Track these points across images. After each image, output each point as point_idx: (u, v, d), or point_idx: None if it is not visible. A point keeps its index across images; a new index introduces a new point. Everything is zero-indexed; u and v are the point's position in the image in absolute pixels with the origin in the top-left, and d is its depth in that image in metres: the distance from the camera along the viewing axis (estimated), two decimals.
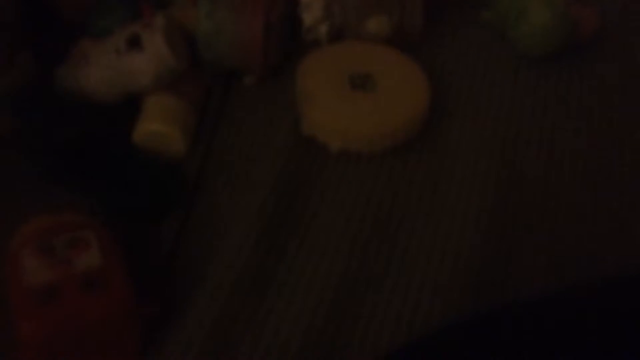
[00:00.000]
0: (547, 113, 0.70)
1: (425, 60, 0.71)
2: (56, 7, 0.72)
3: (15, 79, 0.65)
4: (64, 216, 0.55)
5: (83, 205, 0.59)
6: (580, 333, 0.48)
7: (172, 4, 0.73)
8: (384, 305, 0.55)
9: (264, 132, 0.67)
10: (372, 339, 0.53)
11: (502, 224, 0.61)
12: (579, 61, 0.75)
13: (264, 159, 0.65)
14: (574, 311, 0.50)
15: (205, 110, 0.69)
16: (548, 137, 0.68)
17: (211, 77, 0.71)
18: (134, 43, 0.63)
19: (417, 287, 0.56)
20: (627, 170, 0.66)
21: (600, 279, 0.54)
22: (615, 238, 0.60)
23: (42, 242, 0.53)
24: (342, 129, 0.65)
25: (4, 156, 0.64)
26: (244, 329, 0.54)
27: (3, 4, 0.65)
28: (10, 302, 0.50)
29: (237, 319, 0.54)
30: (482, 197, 0.62)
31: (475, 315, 0.53)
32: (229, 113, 0.68)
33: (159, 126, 0.64)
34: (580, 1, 0.73)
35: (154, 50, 0.63)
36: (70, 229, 0.54)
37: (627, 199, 0.63)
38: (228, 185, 0.63)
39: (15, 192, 0.61)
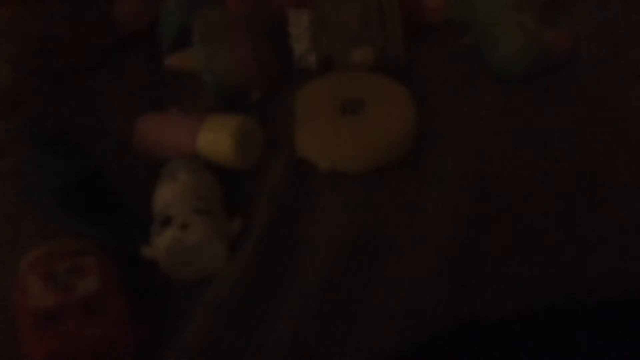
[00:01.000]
0: (526, 133, 0.72)
1: (410, 84, 0.74)
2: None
3: (25, 118, 0.69)
4: (66, 242, 0.59)
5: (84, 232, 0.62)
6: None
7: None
8: (359, 330, 0.58)
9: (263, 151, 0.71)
10: (350, 355, 0.57)
11: (477, 246, 0.63)
12: (555, 82, 0.77)
13: (259, 176, 0.69)
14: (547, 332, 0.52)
15: None
16: (528, 159, 0.70)
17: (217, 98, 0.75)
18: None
19: (394, 304, 0.59)
20: (604, 193, 0.67)
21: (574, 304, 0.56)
22: (591, 264, 0.61)
23: (46, 268, 0.57)
24: (328, 150, 0.69)
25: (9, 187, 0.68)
26: (230, 350, 0.58)
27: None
28: (16, 325, 0.54)
29: (227, 339, 0.58)
30: (456, 222, 0.65)
31: (442, 335, 0.55)
32: None
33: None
34: (552, 26, 0.76)
35: None
36: (72, 255, 0.58)
37: (605, 222, 0.65)
38: None
39: (20, 218, 0.65)
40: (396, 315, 0.59)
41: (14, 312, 0.56)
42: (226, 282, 0.61)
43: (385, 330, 0.58)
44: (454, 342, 0.53)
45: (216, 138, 0.68)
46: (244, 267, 0.62)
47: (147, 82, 0.80)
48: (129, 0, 0.81)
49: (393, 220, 0.66)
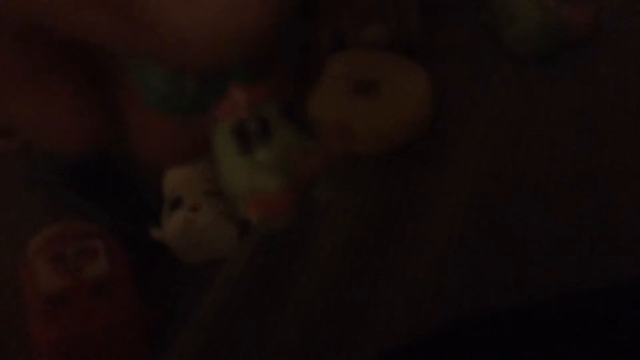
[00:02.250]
0: (544, 115, 0.71)
1: (425, 64, 0.73)
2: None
3: None
4: (75, 225, 0.59)
5: (93, 214, 0.62)
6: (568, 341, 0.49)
7: None
8: (371, 317, 0.57)
9: None
10: (360, 346, 0.56)
11: (492, 232, 0.62)
12: (573, 62, 0.75)
13: None
14: (561, 318, 0.51)
15: None
16: (546, 141, 0.68)
17: None
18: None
19: (406, 294, 0.58)
20: (622, 172, 0.66)
21: (587, 289, 0.55)
22: (599, 256, 0.60)
23: (54, 251, 0.57)
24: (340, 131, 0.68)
25: (16, 167, 0.67)
26: (243, 331, 0.57)
27: None
28: (25, 308, 0.54)
29: (237, 323, 0.57)
30: (470, 206, 0.64)
31: (458, 323, 0.54)
32: None
33: None
34: (572, 2, 0.73)
35: None
36: (80, 237, 0.58)
37: (621, 203, 0.63)
38: None
39: (27, 200, 0.65)
40: (410, 302, 0.58)
41: (22, 295, 0.55)
42: (237, 264, 0.60)
43: (399, 318, 0.57)
44: (470, 332, 0.52)
45: None
46: (255, 247, 0.61)
47: None
48: None
49: (407, 203, 0.65)
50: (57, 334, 0.53)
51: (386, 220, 0.64)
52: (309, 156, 0.31)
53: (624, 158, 0.67)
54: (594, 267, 0.59)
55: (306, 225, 0.64)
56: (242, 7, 0.15)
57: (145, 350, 0.57)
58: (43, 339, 0.53)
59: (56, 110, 0.20)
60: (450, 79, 0.75)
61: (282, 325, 0.57)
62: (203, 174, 0.64)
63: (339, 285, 0.59)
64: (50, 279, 0.55)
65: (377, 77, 0.71)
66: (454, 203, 0.64)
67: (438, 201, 0.65)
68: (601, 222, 0.62)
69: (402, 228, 0.63)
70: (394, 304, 0.58)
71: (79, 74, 0.20)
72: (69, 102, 0.20)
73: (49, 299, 0.54)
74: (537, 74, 0.74)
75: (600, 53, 0.76)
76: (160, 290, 0.60)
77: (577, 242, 0.61)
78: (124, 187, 0.66)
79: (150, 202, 0.64)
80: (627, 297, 0.51)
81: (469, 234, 0.62)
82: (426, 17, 0.75)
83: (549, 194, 0.65)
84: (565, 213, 0.63)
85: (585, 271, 0.59)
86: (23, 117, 0.19)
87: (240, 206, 0.30)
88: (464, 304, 0.57)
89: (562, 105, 0.72)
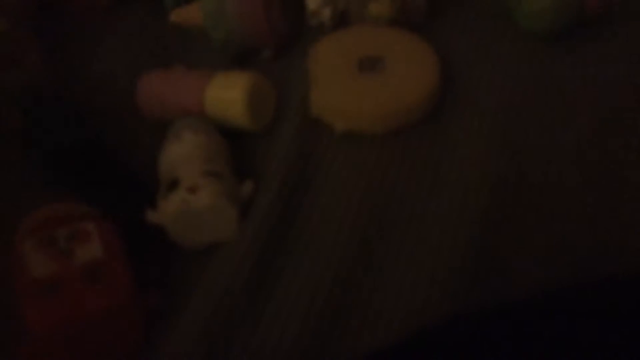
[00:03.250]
0: (553, 94, 0.68)
1: (431, 41, 0.70)
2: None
3: (23, 76, 0.65)
4: (66, 207, 0.56)
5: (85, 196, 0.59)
6: (577, 333, 0.47)
7: None
8: (380, 298, 0.55)
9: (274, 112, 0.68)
10: (368, 332, 0.53)
11: (502, 213, 0.59)
12: (586, 40, 0.72)
13: (270, 138, 0.66)
14: (572, 310, 0.49)
15: None
16: (558, 120, 0.66)
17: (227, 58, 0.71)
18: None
19: (414, 278, 0.56)
20: (631, 157, 0.63)
21: (600, 278, 0.52)
22: (618, 236, 0.58)
23: (44, 234, 0.54)
24: (344, 109, 0.65)
25: (7, 149, 0.64)
26: (241, 320, 0.55)
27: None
28: (14, 294, 0.51)
29: (234, 313, 0.55)
30: (480, 187, 0.61)
31: (473, 308, 0.52)
32: None
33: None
34: None
35: None
36: (72, 220, 0.55)
37: (632, 187, 0.61)
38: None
39: (18, 183, 0.62)
40: (418, 288, 0.55)
41: (12, 281, 0.53)
42: (237, 249, 0.58)
43: (407, 303, 0.55)
44: (480, 320, 0.50)
45: (225, 96, 0.65)
46: (256, 233, 0.58)
47: (151, 39, 0.75)
48: None
49: (413, 185, 0.62)
50: (48, 321, 0.50)
51: (393, 202, 0.61)
52: None
53: (631, 143, 0.64)
54: (621, 239, 0.56)
55: (310, 207, 0.61)
56: None
57: (142, 336, 0.54)
58: (34, 325, 0.50)
59: None
60: (458, 56, 0.72)
61: (284, 314, 0.55)
62: (201, 153, 0.61)
63: (344, 269, 0.57)
64: (41, 263, 0.52)
65: (382, 53, 0.68)
66: (464, 184, 0.62)
67: (448, 182, 0.62)
68: (616, 201, 0.60)
69: (410, 210, 0.61)
70: (402, 289, 0.55)
71: None
72: None
73: (40, 284, 0.51)
74: (548, 53, 0.72)
75: (612, 32, 0.73)
76: (157, 275, 0.57)
77: (592, 224, 0.58)
78: (118, 169, 0.63)
79: (145, 183, 0.61)
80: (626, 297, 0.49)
81: (480, 214, 0.59)
82: None
83: (561, 169, 0.62)
84: (577, 191, 0.61)
85: (610, 245, 0.56)
86: None
87: None
88: (479, 284, 0.55)
89: (573, 84, 0.69)
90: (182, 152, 0.61)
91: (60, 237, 0.53)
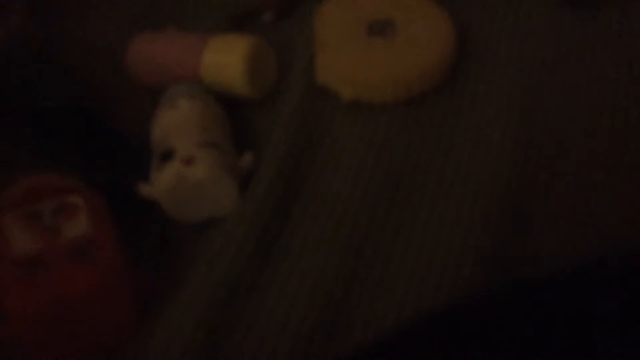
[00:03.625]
0: (574, 61, 0.64)
1: (444, 5, 0.66)
2: None
3: (7, 37, 0.61)
4: (51, 179, 0.52)
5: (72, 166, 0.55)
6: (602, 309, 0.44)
7: None
8: (390, 279, 0.52)
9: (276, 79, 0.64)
10: (380, 310, 0.50)
11: (520, 189, 0.56)
12: (607, 3, 0.68)
13: (272, 106, 0.62)
14: (596, 287, 0.46)
15: None
16: (573, 91, 0.62)
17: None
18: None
19: (427, 257, 0.53)
20: None
21: (624, 253, 0.49)
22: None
23: (27, 207, 0.50)
24: (352, 76, 0.61)
25: None
26: (245, 298, 0.51)
27: None
28: None
29: (238, 289, 0.52)
30: (499, 159, 0.58)
31: (487, 290, 0.49)
32: None
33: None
34: None
35: None
36: (58, 193, 0.51)
37: None
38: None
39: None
40: (432, 267, 0.52)
41: None
42: (239, 225, 0.54)
43: (420, 284, 0.51)
44: (500, 299, 0.46)
45: (223, 60, 0.60)
46: (258, 207, 0.54)
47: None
48: None
49: (426, 158, 0.59)
50: (33, 302, 0.46)
51: (404, 176, 0.57)
52: None
53: None
54: (618, 235, 0.53)
55: (315, 180, 0.58)
56: None
57: (135, 318, 0.51)
58: (17, 307, 0.46)
59: None
60: (474, 22, 0.68)
61: (290, 293, 0.51)
62: (197, 121, 0.57)
63: (352, 246, 0.53)
64: (25, 239, 0.48)
65: (393, 17, 0.64)
66: (480, 156, 0.58)
67: (463, 154, 0.58)
68: (627, 186, 0.56)
69: (423, 185, 0.57)
70: (415, 268, 0.52)
71: None
72: None
73: (24, 262, 0.47)
74: (565, 17, 0.68)
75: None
76: (151, 253, 0.54)
77: (615, 195, 0.55)
78: (108, 136, 0.59)
79: (137, 154, 0.57)
80: None
81: (498, 189, 0.55)
82: None
83: (583, 142, 0.59)
84: (600, 161, 0.57)
85: (607, 240, 0.53)
86: None
87: None
88: (499, 262, 0.51)
89: (596, 50, 0.65)
90: (177, 121, 0.57)
91: (45, 212, 0.50)
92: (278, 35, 0.67)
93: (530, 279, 0.48)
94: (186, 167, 0.54)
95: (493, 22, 0.68)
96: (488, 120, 0.61)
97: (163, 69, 0.62)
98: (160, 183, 0.54)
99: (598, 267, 0.47)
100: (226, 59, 0.61)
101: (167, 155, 0.55)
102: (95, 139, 0.58)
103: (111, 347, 0.50)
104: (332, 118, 0.62)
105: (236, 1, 0.67)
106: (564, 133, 0.59)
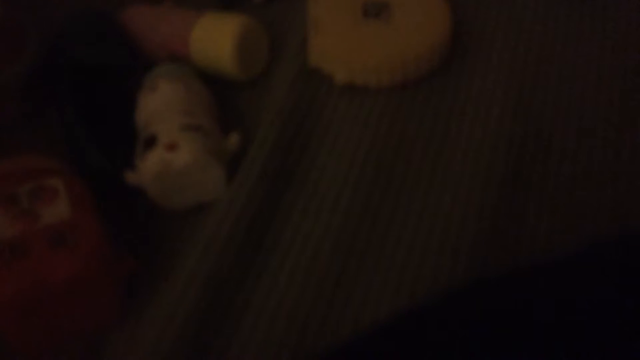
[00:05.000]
0: (569, 48, 0.63)
1: None
2: None
3: (26, 64, 0.58)
4: (28, 161, 0.50)
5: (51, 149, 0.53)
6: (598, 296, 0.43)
7: None
8: (382, 271, 0.50)
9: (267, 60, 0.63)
10: (373, 299, 0.48)
11: (516, 177, 0.54)
12: None
13: (263, 89, 0.61)
14: (590, 274, 0.44)
15: None
16: (570, 76, 0.61)
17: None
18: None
19: (423, 243, 0.51)
20: None
21: (618, 239, 0.48)
22: (635, 195, 0.53)
23: (4, 191, 0.48)
24: (347, 59, 0.60)
25: None
26: (237, 288, 0.49)
27: None
28: None
29: (230, 278, 0.50)
30: (495, 146, 0.56)
31: (482, 280, 0.47)
32: None
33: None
34: None
35: None
36: (36, 176, 0.48)
37: None
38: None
39: None
40: (426, 254, 0.50)
41: None
42: (230, 211, 0.52)
43: (415, 270, 0.49)
44: (496, 288, 0.45)
45: (213, 38, 0.58)
46: (250, 193, 0.52)
47: None
48: None
49: (421, 143, 0.57)
50: (12, 289, 0.44)
51: (398, 162, 0.56)
52: None
53: None
54: (612, 225, 0.52)
55: (308, 165, 0.56)
56: None
57: (117, 308, 0.48)
58: None
59: None
60: (468, 6, 0.66)
61: (282, 281, 0.49)
62: (179, 104, 0.54)
63: (346, 234, 0.51)
64: (2, 224, 0.46)
65: None
66: (477, 142, 0.56)
67: (459, 140, 0.57)
68: (624, 176, 0.55)
69: (418, 171, 0.55)
70: (410, 255, 0.50)
71: None
72: None
73: (1, 248, 0.45)
74: (562, 9, 0.66)
75: None
76: (136, 238, 0.52)
77: (613, 185, 0.54)
78: (92, 119, 0.56)
79: (122, 136, 0.55)
80: None
81: (494, 176, 0.54)
82: None
83: (581, 131, 0.57)
84: (597, 151, 0.56)
85: (601, 229, 0.51)
86: None
87: None
88: (496, 249, 0.50)
89: (591, 37, 0.64)
90: (158, 105, 0.55)
91: (23, 195, 0.47)
92: (270, 16, 0.65)
93: (524, 270, 0.47)
94: (169, 154, 0.51)
95: (488, 9, 0.66)
96: (484, 106, 0.59)
97: (153, 43, 0.60)
98: (145, 171, 0.52)
99: (591, 256, 0.45)
100: (216, 37, 0.59)
101: (150, 141, 0.52)
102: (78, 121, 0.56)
103: (92, 333, 0.48)
104: (326, 102, 0.60)
105: None
106: (558, 122, 0.58)
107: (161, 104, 0.55)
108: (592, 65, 0.62)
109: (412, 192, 0.54)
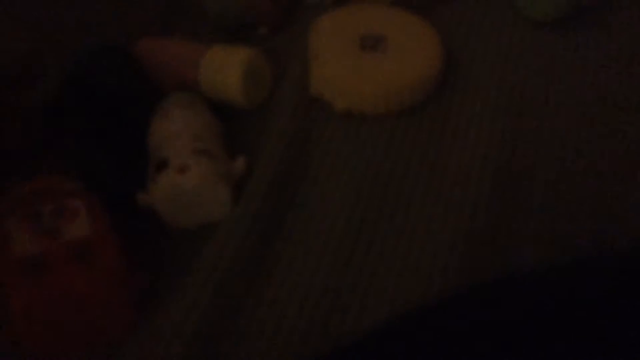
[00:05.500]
0: (553, 80, 0.67)
1: (431, 22, 0.68)
2: None
3: (46, 93, 0.62)
4: (51, 182, 0.53)
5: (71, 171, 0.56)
6: (578, 310, 0.46)
7: None
8: (381, 279, 0.53)
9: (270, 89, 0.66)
10: (369, 314, 0.52)
11: (504, 199, 0.58)
12: (584, 27, 0.71)
13: (266, 115, 0.64)
14: (573, 288, 0.47)
15: None
16: (552, 108, 0.65)
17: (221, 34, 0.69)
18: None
19: (415, 261, 0.54)
20: (632, 143, 0.62)
21: (601, 256, 0.51)
22: (618, 215, 0.57)
23: (28, 209, 0.51)
24: (346, 88, 0.63)
25: None
26: (241, 304, 0.52)
27: None
28: None
29: (236, 292, 0.53)
30: (484, 168, 0.60)
31: (472, 288, 0.50)
32: None
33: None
34: None
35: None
36: (58, 196, 0.52)
37: (630, 176, 0.60)
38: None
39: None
40: (419, 270, 0.53)
41: None
42: (237, 230, 0.55)
43: (407, 286, 0.53)
44: (486, 300, 0.48)
45: (220, 70, 0.62)
46: (255, 214, 0.56)
47: (145, 6, 0.72)
48: None
49: (414, 166, 0.60)
50: (32, 302, 0.47)
51: (393, 184, 0.59)
52: None
53: (631, 127, 0.63)
54: (597, 240, 0.55)
55: (309, 187, 0.59)
56: None
57: (132, 319, 0.51)
58: (18, 306, 0.47)
59: None
60: (459, 40, 0.70)
61: (283, 297, 0.52)
62: (190, 130, 0.58)
63: (343, 252, 0.55)
64: (26, 240, 0.49)
65: (384, 32, 0.66)
66: (466, 168, 0.60)
67: (449, 165, 0.60)
68: (620, 186, 0.58)
69: (411, 193, 0.59)
70: (402, 271, 0.53)
71: None
72: None
73: (25, 263, 0.48)
74: (548, 39, 0.70)
75: (608, 19, 0.72)
76: (148, 254, 0.55)
77: (596, 205, 0.57)
78: (108, 144, 0.60)
79: (135, 162, 0.59)
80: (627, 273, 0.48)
81: (482, 199, 0.57)
82: None
83: (564, 158, 0.61)
84: (580, 176, 0.59)
85: (585, 245, 0.55)
86: None
87: None
88: (485, 265, 0.53)
89: (574, 69, 0.68)
90: (170, 130, 0.58)
91: (46, 214, 0.50)
92: (273, 48, 0.68)
93: (513, 280, 0.50)
94: (180, 176, 0.55)
95: (477, 41, 0.70)
96: (473, 132, 0.62)
97: (164, 74, 0.64)
98: (156, 192, 0.55)
99: (574, 271, 0.48)
100: (223, 68, 0.62)
101: (162, 165, 0.56)
102: (97, 146, 0.59)
103: (105, 343, 0.50)
104: (326, 127, 0.63)
105: (232, 16, 0.68)
106: (541, 150, 0.61)
107: (172, 129, 0.58)
108: (574, 96, 0.65)
109: (405, 212, 0.57)
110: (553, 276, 0.49)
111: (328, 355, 0.49)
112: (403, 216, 0.57)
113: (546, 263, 0.53)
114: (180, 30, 0.70)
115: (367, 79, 0.63)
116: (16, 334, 0.48)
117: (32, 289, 0.47)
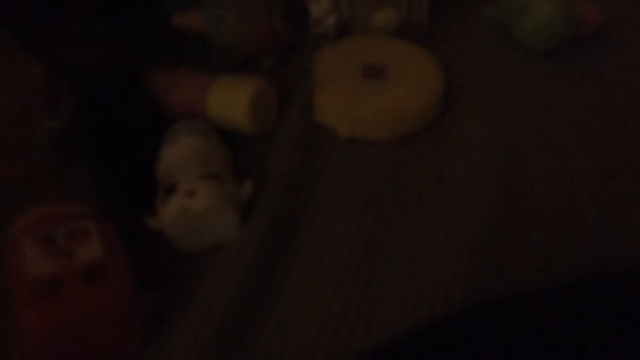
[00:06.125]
0: (550, 110, 0.69)
1: (432, 52, 0.70)
2: None
3: (60, 121, 0.63)
4: (63, 206, 0.54)
5: (82, 196, 0.58)
6: (580, 328, 0.47)
7: None
8: (386, 302, 0.54)
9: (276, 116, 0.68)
10: (374, 333, 0.53)
11: (506, 223, 0.59)
12: (583, 57, 0.73)
13: (272, 141, 0.65)
14: (576, 306, 0.48)
15: None
16: (551, 134, 0.67)
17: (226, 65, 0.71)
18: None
19: (419, 282, 0.55)
20: (628, 169, 0.64)
21: (601, 276, 0.52)
22: (617, 237, 0.58)
23: (42, 232, 0.52)
24: (348, 115, 0.65)
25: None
26: (249, 326, 0.53)
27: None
28: (10, 293, 0.50)
29: (245, 311, 0.54)
30: (484, 193, 0.61)
31: (474, 307, 0.51)
32: None
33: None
34: None
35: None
36: (70, 219, 0.53)
37: (629, 198, 0.61)
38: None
39: (13, 182, 0.61)
40: (423, 291, 0.55)
41: (8, 280, 0.51)
42: (244, 253, 0.56)
43: (412, 306, 0.54)
44: (491, 316, 0.49)
45: (228, 99, 0.64)
46: (263, 237, 0.57)
47: (152, 41, 0.75)
48: None
49: (416, 190, 0.62)
50: (46, 322, 0.48)
51: (396, 209, 0.61)
52: None
53: (626, 155, 0.64)
54: (596, 262, 0.56)
55: (314, 211, 0.61)
56: None
57: (142, 339, 0.53)
58: (31, 327, 0.48)
59: None
60: (460, 68, 0.72)
61: (289, 318, 0.53)
62: (198, 156, 0.60)
63: (348, 274, 0.56)
64: (39, 262, 0.50)
65: (387, 61, 0.68)
66: (467, 192, 0.61)
67: (451, 190, 0.62)
68: (618, 212, 0.60)
69: (414, 218, 0.60)
70: (407, 292, 0.55)
71: None
72: None
73: (38, 284, 0.49)
74: (545, 68, 0.73)
75: (606, 49, 0.74)
76: (158, 276, 0.56)
77: (594, 234, 0.58)
78: (118, 170, 0.61)
79: (145, 186, 0.60)
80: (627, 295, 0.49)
81: (484, 224, 0.59)
82: (435, 6, 0.72)
83: (565, 183, 0.62)
84: (581, 200, 0.61)
85: (601, 258, 0.56)
86: None
87: None
88: (480, 291, 0.54)
89: (571, 98, 0.70)
90: (179, 156, 0.60)
91: (59, 236, 0.52)
92: (279, 77, 0.70)
93: (518, 295, 0.51)
94: (188, 199, 0.56)
95: (478, 70, 0.72)
96: (474, 158, 0.64)
97: (172, 103, 0.65)
98: (165, 215, 0.57)
99: (576, 291, 0.49)
100: (231, 98, 0.64)
101: (171, 189, 0.57)
102: (107, 171, 0.61)
103: None
104: (330, 153, 0.65)
105: (237, 47, 0.70)
106: (539, 180, 0.63)
107: (181, 155, 0.60)
108: (573, 130, 0.67)
109: (408, 236, 0.59)
110: (557, 290, 0.50)
111: None
112: (406, 241, 0.58)
113: (550, 279, 0.54)
114: (189, 60, 0.72)
115: (369, 107, 0.65)
116: (29, 354, 0.49)
117: (45, 310, 0.48)
